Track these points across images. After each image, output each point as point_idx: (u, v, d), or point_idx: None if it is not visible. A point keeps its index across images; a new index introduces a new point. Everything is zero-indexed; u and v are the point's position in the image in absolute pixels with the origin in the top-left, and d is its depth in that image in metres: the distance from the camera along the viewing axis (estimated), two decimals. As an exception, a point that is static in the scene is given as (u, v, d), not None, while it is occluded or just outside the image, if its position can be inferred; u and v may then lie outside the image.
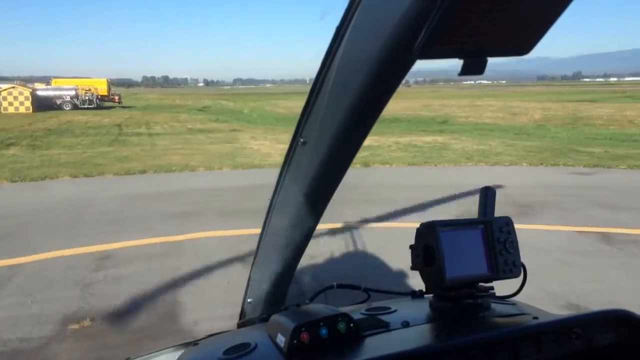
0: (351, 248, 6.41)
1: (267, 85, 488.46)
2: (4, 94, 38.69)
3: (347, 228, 7.09)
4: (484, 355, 0.99)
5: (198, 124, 27.63)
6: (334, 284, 1.40)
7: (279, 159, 14.35)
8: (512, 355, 1.02)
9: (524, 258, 1.23)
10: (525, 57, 0.78)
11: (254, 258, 1.56)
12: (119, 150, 16.57)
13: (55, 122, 28.95)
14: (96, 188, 10.56)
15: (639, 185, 10.33)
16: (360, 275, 5.32)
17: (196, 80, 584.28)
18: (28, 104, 39.28)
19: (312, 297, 1.33)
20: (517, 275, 1.20)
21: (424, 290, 1.25)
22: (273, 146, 17.27)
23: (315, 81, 1.01)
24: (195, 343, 1.23)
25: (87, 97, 44.44)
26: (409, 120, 28.01)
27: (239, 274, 5.62)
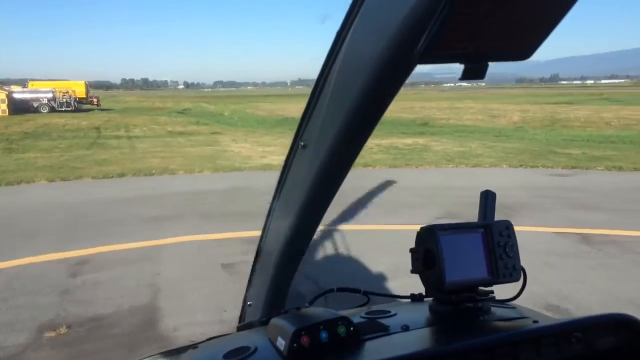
0: (320, 249, 6.36)
1: (249, 87, 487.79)
2: (-21, 96, 38.09)
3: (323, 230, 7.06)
4: (484, 359, 0.99)
5: (178, 127, 27.42)
6: (334, 287, 1.40)
7: (260, 161, 14.39)
8: (513, 359, 1.01)
9: None
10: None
11: (254, 261, 1.56)
12: (97, 154, 16.37)
13: (32, 125, 28.55)
14: (74, 192, 10.40)
15: (616, 187, 10.47)
16: (337, 276, 5.30)
17: (176, 83, 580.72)
18: (4, 106, 38.68)
19: (312, 300, 1.32)
20: (517, 279, 1.20)
21: (423, 293, 1.25)
22: (254, 149, 17.18)
23: (316, 85, 1.01)
24: (194, 346, 1.22)
25: (64, 100, 43.96)
26: (390, 123, 28.11)
27: (219, 278, 5.58)
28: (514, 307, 1.30)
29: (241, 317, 1.68)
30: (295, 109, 46.47)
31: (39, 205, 9.22)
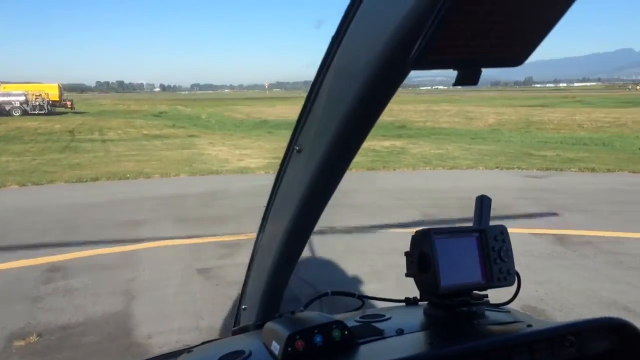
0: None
1: (226, 90, 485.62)
2: (-51, 99, 37.22)
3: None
4: None
5: (154, 130, 27.15)
6: (329, 291, 1.40)
7: (237, 164, 14.29)
8: None
9: None
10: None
11: (249, 265, 1.55)
12: (70, 157, 16.11)
13: (4, 129, 27.95)
14: (45, 197, 10.21)
15: (590, 188, 10.64)
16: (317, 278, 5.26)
17: (152, 86, 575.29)
18: (-25, 109, 37.84)
19: (307, 304, 1.33)
20: (511, 284, 1.21)
21: (418, 297, 1.25)
22: (231, 152, 17.10)
23: (311, 90, 1.01)
24: (189, 350, 1.23)
25: (37, 103, 43.28)
26: (368, 125, 28.16)
27: (195, 284, 5.49)
28: (508, 311, 1.31)
29: (236, 321, 1.68)
30: (273, 111, 46.41)
31: (8, 210, 9.00)
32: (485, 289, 1.20)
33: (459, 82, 0.69)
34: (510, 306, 1.31)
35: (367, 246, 6.63)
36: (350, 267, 5.75)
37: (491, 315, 1.24)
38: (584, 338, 1.09)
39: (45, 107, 43.58)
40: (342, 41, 0.87)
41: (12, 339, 4.29)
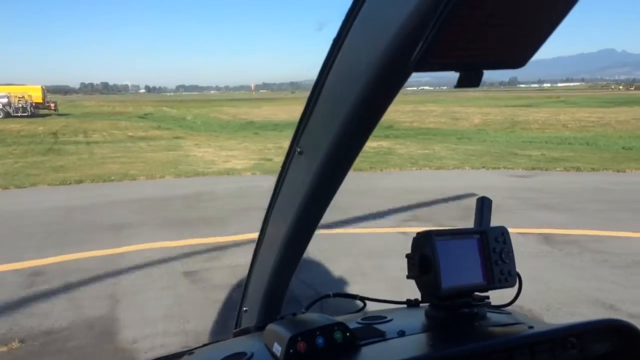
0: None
1: (212, 91, 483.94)
2: None
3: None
4: None
5: (139, 132, 26.94)
6: (330, 293, 1.41)
7: (224, 165, 14.21)
8: None
9: None
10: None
11: (250, 266, 1.55)
12: (54, 160, 15.92)
13: (-15, 131, 27.55)
14: (28, 200, 10.06)
15: (575, 187, 10.73)
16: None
17: (137, 87, 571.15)
18: (-44, 112, 37.33)
19: (308, 306, 1.33)
20: (512, 285, 1.22)
21: (419, 299, 1.26)
22: (217, 153, 16.98)
23: (312, 91, 1.01)
24: (190, 352, 1.23)
25: (20, 105, 42.80)
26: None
27: (180, 287, 5.43)
28: (509, 313, 1.32)
29: (237, 323, 1.68)
30: (259, 112, 46.30)
31: (-9, 214, 8.84)
32: (486, 290, 1.21)
33: (460, 84, 0.70)
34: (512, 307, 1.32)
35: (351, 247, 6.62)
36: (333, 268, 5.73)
37: (492, 316, 1.25)
38: (586, 340, 1.09)
39: (29, 109, 43.11)
40: (343, 43, 0.87)
41: (-6, 345, 4.21)
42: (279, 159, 15.54)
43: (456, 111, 42.67)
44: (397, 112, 42.37)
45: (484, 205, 1.31)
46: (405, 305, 1.36)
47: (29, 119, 38.77)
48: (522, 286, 1.24)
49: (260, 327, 1.25)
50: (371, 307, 1.40)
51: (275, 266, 1.35)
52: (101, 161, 15.48)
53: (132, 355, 4.03)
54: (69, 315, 4.76)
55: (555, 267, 5.89)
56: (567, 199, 9.52)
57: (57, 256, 6.37)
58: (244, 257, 6.18)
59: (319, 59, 0.96)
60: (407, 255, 1.20)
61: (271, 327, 1.11)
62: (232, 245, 6.64)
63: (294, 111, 46.83)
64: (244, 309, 1.62)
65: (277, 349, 1.02)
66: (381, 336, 1.13)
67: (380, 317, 1.25)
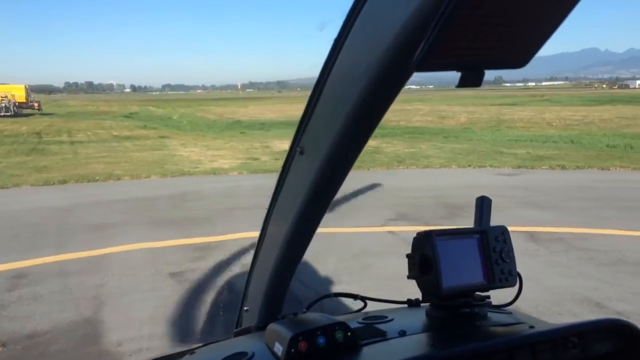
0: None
1: (198, 91, 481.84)
2: None
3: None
4: None
5: (124, 131, 26.70)
6: (331, 292, 1.42)
7: (210, 165, 14.13)
8: None
9: None
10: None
11: (251, 266, 1.56)
12: (37, 160, 15.71)
13: (-33, 131, 27.14)
14: (10, 201, 9.92)
15: (560, 185, 10.82)
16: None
17: (123, 86, 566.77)
18: (-63, 111, 36.73)
19: (309, 305, 1.33)
20: (513, 285, 1.22)
21: (420, 299, 1.26)
22: (204, 153, 16.89)
23: (314, 91, 1.02)
24: (191, 352, 1.24)
25: (3, 105, 42.21)
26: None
27: (166, 289, 5.37)
28: (510, 313, 1.32)
29: (238, 323, 1.68)
30: (246, 112, 46.16)
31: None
32: (487, 289, 1.21)
33: (462, 83, 0.70)
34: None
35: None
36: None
37: (493, 316, 1.25)
38: (587, 339, 1.10)
39: (12, 109, 42.51)
40: (344, 43, 0.88)
41: (-25, 349, 4.13)
42: (266, 159, 15.54)
43: (442, 110, 42.88)
44: (383, 111, 42.45)
45: (483, 205, 1.31)
46: (406, 305, 1.37)
47: (12, 119, 38.24)
48: (522, 285, 1.24)
49: (261, 327, 1.26)
50: (372, 307, 1.40)
51: (276, 266, 1.35)
52: (85, 161, 15.31)
53: (117, 358, 3.97)
54: (52, 318, 4.68)
55: (542, 265, 5.91)
56: (553, 197, 9.58)
57: (40, 258, 6.26)
58: (231, 257, 6.13)
59: (319, 59, 0.98)
60: (408, 255, 1.20)
61: (272, 326, 1.11)
62: (218, 246, 6.58)
63: (280, 110, 46.76)
64: (245, 308, 1.62)
65: (279, 348, 1.02)
66: (382, 336, 1.14)
67: (381, 317, 1.26)
